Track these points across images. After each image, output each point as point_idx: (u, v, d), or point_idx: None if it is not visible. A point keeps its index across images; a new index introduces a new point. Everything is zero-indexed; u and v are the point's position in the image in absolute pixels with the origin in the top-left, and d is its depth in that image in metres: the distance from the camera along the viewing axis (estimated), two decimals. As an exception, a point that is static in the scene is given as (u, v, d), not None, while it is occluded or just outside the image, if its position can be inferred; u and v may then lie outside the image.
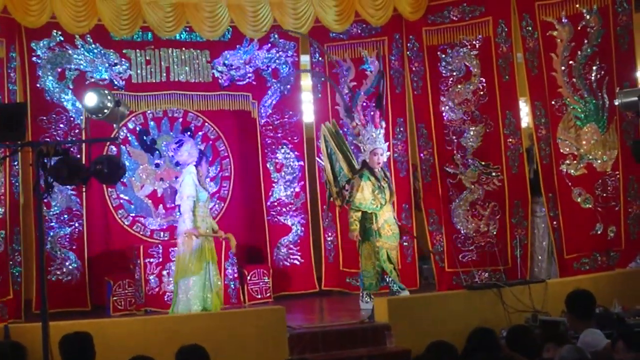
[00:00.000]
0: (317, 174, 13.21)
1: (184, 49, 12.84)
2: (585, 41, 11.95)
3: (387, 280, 11.05)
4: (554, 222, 12.13)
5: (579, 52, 11.97)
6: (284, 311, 9.36)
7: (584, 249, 11.95)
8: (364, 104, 12.01)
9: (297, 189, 13.33)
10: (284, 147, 13.29)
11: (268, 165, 13.25)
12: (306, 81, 13.55)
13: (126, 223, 12.70)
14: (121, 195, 12.69)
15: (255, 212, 13.29)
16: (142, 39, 12.62)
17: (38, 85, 12.08)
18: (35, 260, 11.40)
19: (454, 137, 12.62)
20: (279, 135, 13.30)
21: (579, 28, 11.99)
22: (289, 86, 13.24)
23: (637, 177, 11.61)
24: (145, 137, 12.89)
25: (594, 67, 11.92)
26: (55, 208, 12.04)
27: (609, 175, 11.89)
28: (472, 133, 12.54)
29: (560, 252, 12.09)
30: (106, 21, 11.84)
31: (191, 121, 13.11)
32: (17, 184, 11.55)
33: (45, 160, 6.65)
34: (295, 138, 13.36)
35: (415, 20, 12.77)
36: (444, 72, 12.71)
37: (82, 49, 12.31)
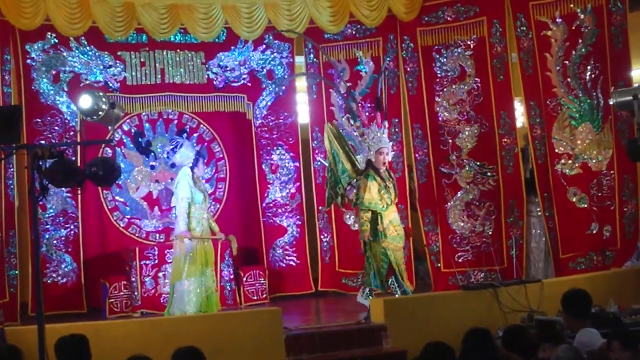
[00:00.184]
0: (313, 175, 13.22)
1: (178, 50, 12.83)
2: (580, 41, 11.96)
3: (390, 282, 10.75)
4: (550, 222, 12.14)
5: (574, 52, 11.98)
6: (280, 312, 9.36)
7: (580, 249, 11.96)
8: (359, 104, 12.00)
9: (293, 190, 13.33)
10: (279, 148, 13.29)
11: (263, 167, 13.25)
12: (301, 82, 13.54)
13: (122, 225, 12.70)
14: (116, 197, 12.68)
15: (250, 214, 13.29)
16: (137, 40, 12.61)
17: (33, 87, 12.06)
18: (30, 263, 11.37)
19: (449, 138, 12.63)
20: (274, 136, 13.30)
21: (573, 28, 12.01)
22: (284, 87, 13.24)
23: (632, 176, 11.61)
24: (140, 139, 12.89)
25: (589, 67, 11.93)
26: (51, 210, 12.03)
27: (604, 174, 11.89)
28: (467, 133, 12.55)
29: (555, 252, 12.10)
30: (100, 23, 11.84)
31: (186, 123, 13.10)
32: (12, 186, 11.54)
33: (40, 163, 6.63)
34: (290, 139, 13.36)
35: (410, 20, 12.78)
36: (438, 72, 12.72)
37: (77, 51, 12.31)
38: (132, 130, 12.86)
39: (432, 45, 12.76)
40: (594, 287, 8.95)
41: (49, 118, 12.10)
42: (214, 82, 13.04)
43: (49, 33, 12.05)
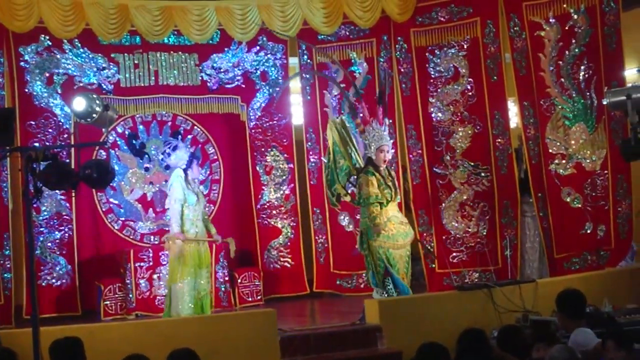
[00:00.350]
0: (307, 176, 13.22)
1: (172, 52, 12.83)
2: (573, 41, 11.97)
3: (386, 283, 10.27)
4: (544, 222, 12.14)
5: (567, 52, 11.99)
6: (275, 314, 9.35)
7: (574, 249, 11.97)
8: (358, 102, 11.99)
9: (287, 192, 13.33)
10: (274, 149, 13.29)
11: (257, 168, 13.24)
12: (295, 83, 13.54)
13: (116, 227, 12.70)
14: (111, 200, 12.68)
15: (245, 215, 13.29)
16: (130, 42, 12.61)
17: (26, 90, 12.06)
18: (25, 266, 11.33)
19: (443, 138, 12.64)
20: (268, 137, 13.30)
21: (566, 28, 12.01)
22: (277, 89, 13.24)
23: (626, 176, 11.61)
24: (134, 141, 12.90)
25: (582, 67, 11.93)
26: (45, 213, 12.03)
27: (598, 174, 11.89)
28: (461, 134, 12.56)
29: (550, 252, 12.10)
30: (94, 25, 11.84)
31: (180, 125, 13.11)
32: (6, 189, 11.55)
33: (34, 166, 6.61)
34: (284, 140, 13.35)
35: (403, 21, 12.79)
36: (432, 73, 12.73)
37: (70, 54, 12.30)
38: (126, 133, 12.86)
39: (425, 46, 12.77)
40: (589, 287, 8.96)
41: (42, 120, 12.10)
42: (208, 84, 13.03)
43: (43, 35, 12.05)
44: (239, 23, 12.57)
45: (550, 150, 12.11)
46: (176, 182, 10.41)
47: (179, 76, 12.83)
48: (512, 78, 12.41)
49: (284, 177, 13.33)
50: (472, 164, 12.48)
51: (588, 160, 11.95)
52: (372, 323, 9.59)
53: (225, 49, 13.06)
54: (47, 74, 12.20)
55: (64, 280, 12.09)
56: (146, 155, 12.90)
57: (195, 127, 13.17)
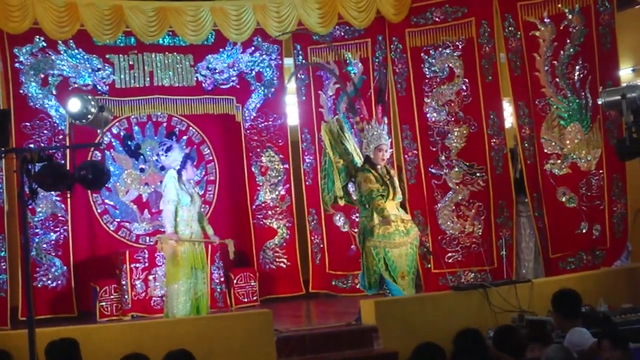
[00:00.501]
0: (302, 176, 13.23)
1: (167, 53, 12.82)
2: (568, 41, 11.98)
3: (384, 285, 10.20)
4: (539, 222, 12.16)
5: (562, 52, 12.01)
6: (270, 314, 9.34)
7: (569, 248, 11.98)
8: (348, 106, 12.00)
9: (283, 192, 13.33)
10: (269, 150, 13.29)
11: (253, 169, 13.25)
12: (290, 84, 13.53)
13: (111, 228, 12.69)
14: (106, 201, 12.67)
15: (240, 216, 13.29)
16: (125, 43, 12.60)
17: (21, 91, 12.05)
18: (20, 267, 11.34)
19: (438, 138, 12.65)
20: (264, 138, 13.31)
21: (561, 28, 12.03)
22: (272, 89, 13.24)
23: (621, 175, 11.61)
24: (129, 142, 12.89)
25: (577, 67, 11.94)
26: (40, 214, 12.02)
27: (593, 174, 11.90)
28: (456, 134, 12.57)
29: (545, 252, 12.11)
30: (89, 26, 11.83)
31: (175, 125, 13.10)
32: (1, 190, 11.52)
33: (30, 167, 6.61)
34: (279, 141, 13.36)
35: (398, 22, 12.80)
36: (427, 73, 12.74)
37: (65, 55, 12.29)
38: (122, 134, 12.86)
39: (420, 46, 12.77)
40: (584, 286, 8.96)
41: (37, 122, 12.09)
42: (203, 85, 13.03)
43: (37, 36, 12.04)
44: (233, 24, 12.56)
45: (546, 150, 12.12)
46: (169, 183, 10.40)
47: (174, 77, 12.83)
48: (507, 78, 12.42)
49: (280, 178, 13.33)
50: (468, 164, 12.50)
51: (583, 160, 11.96)
52: (368, 323, 9.58)
53: (220, 50, 13.07)
54: (42, 75, 12.18)
55: (59, 282, 12.09)
56: (141, 156, 12.89)
57: (191, 128, 13.16)
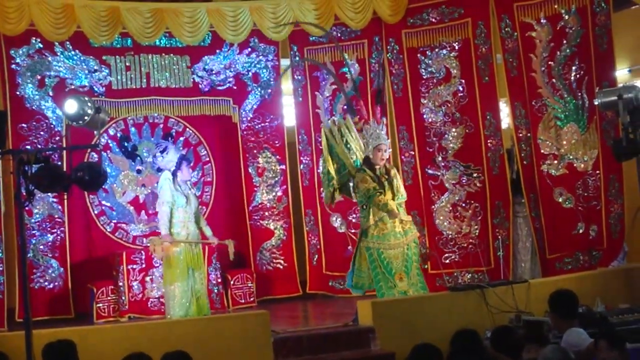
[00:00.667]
0: (299, 177, 13.24)
1: (163, 54, 12.83)
2: (564, 41, 11.99)
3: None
4: (536, 223, 12.16)
5: (558, 53, 12.01)
6: (268, 315, 9.33)
7: (566, 249, 11.98)
8: (345, 106, 12.00)
9: (279, 193, 13.33)
10: (266, 151, 13.29)
11: (250, 170, 13.25)
12: (287, 85, 13.55)
13: (108, 230, 12.68)
14: (103, 202, 12.67)
15: (237, 217, 13.29)
16: (122, 45, 12.61)
17: (18, 92, 12.04)
18: (17, 269, 11.33)
19: (435, 139, 12.65)
20: (260, 139, 13.31)
21: (557, 28, 12.03)
22: (269, 90, 13.24)
23: (617, 176, 11.61)
24: (126, 144, 12.88)
25: (574, 67, 11.95)
26: (37, 216, 12.01)
27: (590, 174, 11.90)
28: (452, 134, 12.57)
29: (542, 252, 12.12)
30: (85, 28, 11.83)
31: (172, 127, 13.10)
32: (-2, 192, 11.52)
33: (26, 168, 6.60)
34: (276, 142, 13.36)
35: (395, 22, 12.80)
36: (424, 74, 12.74)
37: (62, 56, 12.29)
38: (118, 135, 12.85)
39: (417, 47, 12.78)
40: (581, 287, 8.98)
41: (34, 123, 12.08)
42: (200, 86, 13.03)
43: (34, 38, 12.04)
44: (230, 25, 12.57)
45: (542, 151, 12.13)
46: (164, 185, 10.41)
47: (170, 78, 12.83)
48: (503, 79, 12.43)
49: (276, 179, 13.33)
50: (464, 164, 12.50)
51: (580, 161, 11.97)
52: (365, 324, 9.58)
53: (217, 51, 13.07)
54: (39, 77, 12.18)
55: (56, 283, 12.08)
56: (138, 158, 12.89)
57: (187, 129, 13.16)
